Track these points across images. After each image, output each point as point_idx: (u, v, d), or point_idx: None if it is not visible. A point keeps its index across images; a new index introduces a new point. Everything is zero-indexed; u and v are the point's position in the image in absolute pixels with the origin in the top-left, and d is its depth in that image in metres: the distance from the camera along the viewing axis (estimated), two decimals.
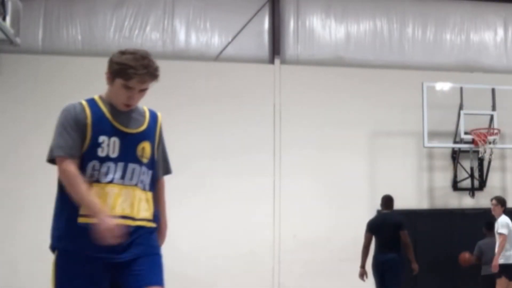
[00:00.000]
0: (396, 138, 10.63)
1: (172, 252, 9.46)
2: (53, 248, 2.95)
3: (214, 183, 9.87)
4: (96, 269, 2.86)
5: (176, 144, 9.82)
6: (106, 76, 2.98)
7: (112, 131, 2.94)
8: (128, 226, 2.87)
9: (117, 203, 2.89)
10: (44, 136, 10.70)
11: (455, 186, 10.76)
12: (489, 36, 11.49)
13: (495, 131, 10.18)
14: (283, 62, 10.67)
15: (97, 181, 2.88)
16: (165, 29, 10.46)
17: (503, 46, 11.52)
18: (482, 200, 10.63)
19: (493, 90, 10.39)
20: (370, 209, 10.33)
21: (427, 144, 10.13)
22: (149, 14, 10.43)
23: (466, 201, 10.81)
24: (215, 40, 10.59)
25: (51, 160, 2.94)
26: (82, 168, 2.88)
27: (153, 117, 3.18)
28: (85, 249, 2.83)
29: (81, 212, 2.85)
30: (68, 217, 2.88)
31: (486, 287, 8.85)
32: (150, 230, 3.01)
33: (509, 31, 11.60)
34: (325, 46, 10.86)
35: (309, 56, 10.83)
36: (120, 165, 2.92)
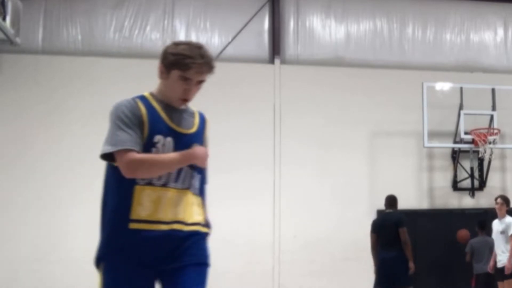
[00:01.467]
0: (396, 138, 10.63)
1: None
2: (99, 259, 2.75)
3: (214, 183, 9.83)
4: (145, 278, 2.72)
5: None
6: (159, 70, 2.84)
7: (167, 131, 2.76)
8: (181, 231, 2.73)
9: (170, 208, 2.72)
10: (44, 136, 10.80)
11: (455, 186, 10.76)
12: (489, 36, 11.49)
13: (495, 131, 10.18)
14: (283, 62, 10.67)
15: (150, 183, 2.70)
16: (165, 29, 10.46)
17: (503, 46, 11.52)
18: (482, 200, 10.64)
19: (493, 90, 10.39)
20: (370, 209, 10.33)
21: (427, 144, 10.14)
22: (149, 14, 10.43)
23: (466, 201, 10.81)
24: (215, 40, 10.59)
25: (104, 156, 2.75)
26: None
27: (202, 119, 3.00)
28: (135, 258, 2.67)
29: (132, 217, 2.67)
30: (118, 223, 2.68)
31: (480, 285, 8.90)
32: (203, 236, 2.85)
33: (509, 31, 11.60)
34: (325, 46, 10.86)
35: (309, 56, 10.83)
36: None
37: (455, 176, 10.74)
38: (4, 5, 7.69)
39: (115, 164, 2.71)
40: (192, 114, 2.96)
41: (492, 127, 10.23)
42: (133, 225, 2.66)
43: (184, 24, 10.55)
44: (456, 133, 10.37)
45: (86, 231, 9.43)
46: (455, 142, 10.45)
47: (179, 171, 2.76)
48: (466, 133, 10.18)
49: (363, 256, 10.17)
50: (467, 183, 10.77)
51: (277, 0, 10.78)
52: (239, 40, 10.63)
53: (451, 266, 10.01)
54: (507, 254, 7.91)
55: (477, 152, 10.38)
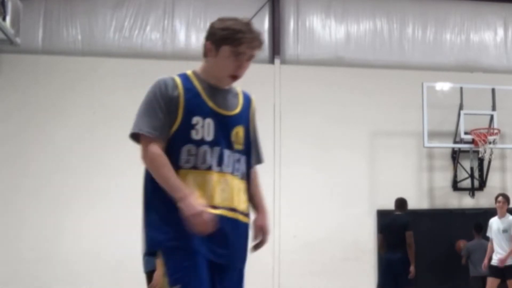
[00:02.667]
0: (396, 138, 10.63)
1: None
2: (152, 249, 2.62)
3: None
4: (203, 263, 2.57)
5: None
6: (206, 48, 2.71)
7: (206, 112, 2.64)
8: (229, 219, 2.62)
9: (216, 192, 2.61)
10: (44, 136, 10.81)
11: (455, 186, 10.76)
12: (489, 36, 11.48)
13: (495, 131, 10.17)
14: (283, 62, 10.66)
15: (195, 167, 2.60)
16: (165, 29, 10.46)
17: (503, 46, 11.52)
18: (482, 200, 10.64)
19: (493, 90, 10.39)
20: (370, 209, 10.34)
21: (427, 144, 10.13)
22: (149, 14, 10.43)
23: (466, 201, 10.81)
24: None
25: (133, 136, 2.68)
26: (175, 152, 2.60)
27: (247, 99, 2.88)
28: (190, 242, 2.53)
29: None
30: (166, 209, 2.56)
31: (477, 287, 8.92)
32: (247, 227, 2.74)
33: (509, 31, 11.59)
34: (325, 46, 10.86)
35: (309, 56, 10.83)
36: (216, 150, 2.63)
37: (455, 176, 10.74)
38: (4, 5, 7.68)
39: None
40: (236, 94, 2.84)
41: (492, 127, 10.23)
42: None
43: (184, 24, 10.54)
44: (456, 133, 10.36)
45: (86, 231, 9.46)
46: (455, 142, 10.45)
47: (221, 154, 2.64)
48: (466, 133, 10.18)
49: (363, 256, 10.19)
50: (467, 183, 10.77)
51: (277, 0, 10.78)
52: None
53: (451, 266, 10.01)
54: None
55: (477, 152, 10.37)
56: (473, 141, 10.23)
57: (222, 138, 2.65)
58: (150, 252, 2.63)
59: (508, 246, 7.92)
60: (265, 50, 10.76)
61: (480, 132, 10.14)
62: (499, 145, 10.36)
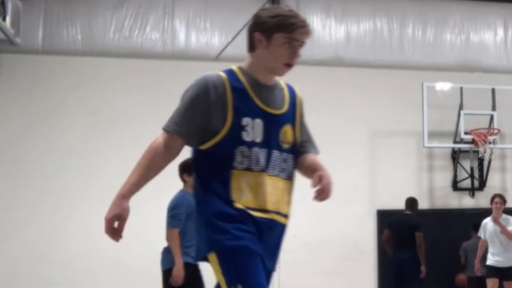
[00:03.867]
0: (396, 138, 10.63)
1: None
2: (211, 250, 2.50)
3: None
4: (260, 262, 2.51)
5: None
6: (255, 39, 2.60)
7: (255, 111, 2.55)
8: (277, 223, 2.59)
9: (268, 195, 2.55)
10: (44, 136, 10.80)
11: (455, 186, 10.76)
12: (489, 36, 11.48)
13: (495, 131, 10.17)
14: None
15: (248, 168, 2.52)
16: (165, 29, 10.46)
17: (503, 46, 11.52)
18: (482, 200, 10.63)
19: (493, 90, 10.39)
20: (370, 209, 10.35)
21: (427, 144, 10.14)
22: (149, 14, 10.43)
23: (466, 201, 10.81)
24: (215, 40, 10.59)
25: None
26: (229, 153, 2.50)
27: (292, 93, 2.77)
28: (248, 241, 2.47)
29: (233, 197, 2.51)
30: (220, 209, 2.50)
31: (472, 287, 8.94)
32: (284, 229, 2.69)
33: (509, 31, 11.59)
34: (325, 46, 10.85)
35: (309, 56, 10.81)
36: (264, 151, 2.55)
37: (455, 176, 10.74)
38: (4, 5, 7.69)
39: (202, 147, 2.56)
40: (281, 89, 2.72)
41: (492, 127, 10.23)
42: (237, 206, 2.51)
43: (184, 24, 10.54)
44: (456, 133, 10.37)
45: (87, 231, 9.45)
46: (455, 142, 10.45)
47: (270, 156, 2.57)
48: (466, 133, 10.18)
49: (363, 256, 10.19)
50: (467, 183, 10.77)
51: (277, 0, 10.77)
52: (239, 40, 10.61)
53: (451, 266, 10.00)
54: (509, 253, 7.89)
55: (477, 152, 10.38)
56: (473, 141, 10.23)
57: (271, 139, 2.58)
58: (205, 253, 2.53)
59: (506, 246, 7.91)
60: None
61: (480, 132, 10.14)
62: (499, 145, 10.36)
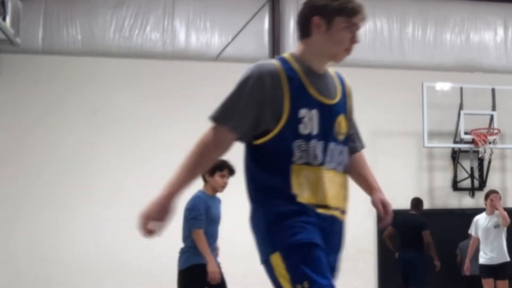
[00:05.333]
0: (396, 138, 10.62)
1: (171, 252, 9.48)
2: (276, 249, 2.40)
3: None
4: (324, 257, 2.41)
5: (175, 143, 9.83)
6: (313, 24, 2.47)
7: (311, 102, 2.43)
8: (336, 220, 2.52)
9: (327, 191, 2.45)
10: (44, 136, 10.79)
11: (455, 186, 10.76)
12: (489, 36, 11.48)
13: (495, 131, 10.17)
14: None
15: (307, 163, 2.40)
16: (165, 29, 10.46)
17: (503, 46, 11.52)
18: (482, 200, 10.61)
19: (493, 90, 10.39)
20: (370, 209, 10.29)
21: (427, 144, 10.13)
22: (149, 14, 10.43)
23: (466, 201, 10.81)
24: (215, 40, 10.59)
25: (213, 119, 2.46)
26: (287, 147, 2.38)
27: (342, 83, 2.68)
28: (310, 236, 2.37)
29: (294, 191, 2.39)
30: (280, 205, 2.39)
31: (469, 287, 8.94)
32: (343, 225, 2.62)
33: (509, 31, 11.59)
34: None
35: None
36: (321, 144, 2.44)
37: (455, 176, 10.74)
38: (4, 5, 7.69)
39: (257, 142, 2.43)
40: (332, 78, 2.61)
41: (492, 127, 10.23)
42: (300, 200, 2.40)
43: (184, 24, 10.54)
44: (456, 133, 10.36)
45: (87, 232, 9.46)
46: (455, 142, 10.45)
47: (327, 149, 2.46)
48: (466, 133, 10.18)
49: (363, 256, 10.19)
50: (467, 183, 10.77)
51: (277, 0, 10.78)
52: (239, 40, 10.62)
53: (451, 266, 10.00)
54: (503, 249, 7.88)
55: (477, 152, 10.38)
56: (473, 141, 10.23)
57: (328, 131, 2.47)
58: (267, 254, 2.43)
59: (500, 242, 7.90)
60: (265, 50, 10.77)
61: (480, 132, 10.14)
62: (499, 145, 10.36)
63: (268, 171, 2.43)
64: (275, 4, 10.77)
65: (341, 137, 2.54)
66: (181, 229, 5.59)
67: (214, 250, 5.60)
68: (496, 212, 7.99)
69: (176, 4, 10.55)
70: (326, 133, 2.46)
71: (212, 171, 5.57)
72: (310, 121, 2.41)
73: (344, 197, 2.61)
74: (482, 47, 11.42)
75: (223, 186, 5.64)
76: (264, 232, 2.44)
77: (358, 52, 11.19)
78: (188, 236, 5.48)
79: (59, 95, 9.84)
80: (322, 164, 2.44)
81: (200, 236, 5.38)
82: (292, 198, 2.38)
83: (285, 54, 2.55)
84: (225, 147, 2.46)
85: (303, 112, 2.40)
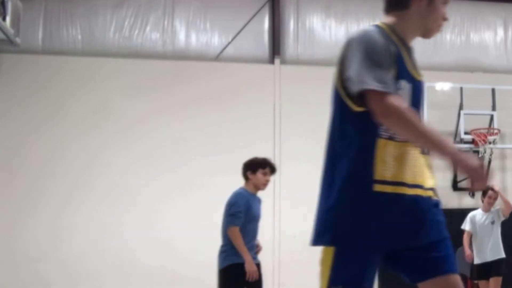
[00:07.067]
0: None
1: (170, 252, 9.49)
2: (325, 241, 2.25)
3: (213, 182, 9.87)
4: (378, 257, 2.30)
5: (175, 143, 9.84)
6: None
7: (407, 75, 2.32)
8: (423, 199, 2.31)
9: (410, 168, 2.27)
10: (44, 136, 10.79)
11: (455, 186, 10.75)
12: (489, 36, 11.49)
13: (495, 131, 10.17)
14: (283, 62, 10.66)
15: (392, 138, 2.23)
16: (165, 29, 10.46)
17: (503, 46, 11.52)
18: None
19: (493, 90, 10.39)
20: None
21: None
22: (149, 14, 10.43)
23: (466, 201, 10.80)
24: (215, 40, 10.59)
25: (357, 97, 2.25)
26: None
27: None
28: (377, 233, 2.20)
29: (376, 177, 2.20)
30: (358, 185, 2.20)
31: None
32: (438, 204, 2.44)
33: (509, 31, 11.60)
34: (325, 46, 10.85)
35: (309, 56, 10.83)
36: None
37: (455, 176, 10.73)
38: (4, 5, 7.69)
39: (357, 109, 2.27)
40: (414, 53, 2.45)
41: (492, 127, 10.23)
42: (377, 187, 2.20)
43: (184, 24, 10.54)
44: (456, 133, 10.36)
45: (87, 231, 9.45)
46: (455, 142, 10.44)
47: None
48: (466, 133, 10.17)
49: None
50: (467, 183, 10.75)
51: (277, 0, 10.78)
52: (239, 40, 10.62)
53: None
54: (499, 245, 7.88)
55: (477, 152, 10.37)
56: (473, 141, 10.23)
57: (416, 107, 2.33)
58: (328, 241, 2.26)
59: (496, 238, 7.89)
60: (265, 50, 10.77)
61: (480, 132, 10.14)
62: (499, 145, 10.37)
63: (355, 144, 2.28)
64: (275, 4, 10.77)
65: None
66: (221, 226, 5.59)
67: (254, 248, 5.60)
68: (493, 209, 8.01)
69: (176, 4, 10.55)
70: (415, 109, 2.32)
71: (255, 169, 5.61)
72: (405, 94, 2.29)
73: (430, 176, 2.39)
74: (482, 47, 11.42)
75: (265, 184, 5.67)
76: (330, 217, 2.26)
77: None
78: (226, 233, 5.46)
79: (59, 95, 9.84)
80: (406, 140, 2.27)
81: (236, 233, 5.37)
82: (370, 183, 2.21)
83: (380, 24, 2.39)
84: (409, 107, 2.26)
85: (402, 83, 2.28)
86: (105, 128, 9.73)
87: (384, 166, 2.22)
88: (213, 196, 9.92)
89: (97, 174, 9.61)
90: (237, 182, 10.67)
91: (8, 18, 7.84)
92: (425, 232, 2.34)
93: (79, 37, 10.22)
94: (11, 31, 8.02)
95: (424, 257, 2.35)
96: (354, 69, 2.23)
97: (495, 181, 10.78)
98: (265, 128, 10.32)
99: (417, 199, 2.28)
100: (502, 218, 8.02)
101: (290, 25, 10.85)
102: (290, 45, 10.80)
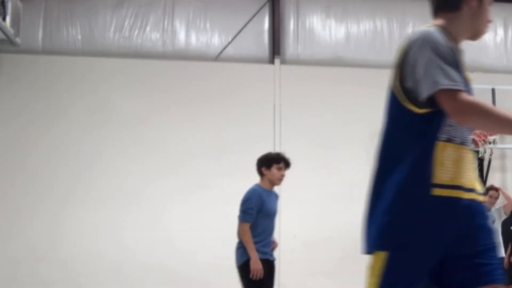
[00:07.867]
0: None
1: (171, 252, 9.49)
2: (377, 247, 2.22)
3: (213, 183, 9.88)
4: (429, 265, 2.20)
5: (175, 143, 9.84)
6: (467, 1, 2.33)
7: (463, 77, 2.32)
8: (478, 204, 2.26)
9: (467, 171, 2.26)
10: (44, 136, 10.79)
11: None
12: (489, 36, 11.48)
13: None
14: (283, 62, 10.66)
15: (449, 140, 2.24)
16: (165, 29, 10.46)
17: (503, 46, 11.52)
18: None
19: (493, 90, 10.39)
20: None
21: None
22: (149, 14, 10.43)
23: None
24: (215, 40, 10.59)
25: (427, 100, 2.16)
26: (436, 118, 2.20)
27: None
28: (435, 236, 2.13)
29: (435, 180, 2.16)
30: (416, 189, 2.15)
31: None
32: (485, 209, 2.35)
33: (509, 31, 11.60)
34: (325, 46, 10.86)
35: (309, 56, 10.83)
36: None
37: None
38: (4, 5, 7.69)
39: (419, 111, 2.20)
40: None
41: None
42: (436, 191, 2.14)
43: (184, 24, 10.54)
44: None
45: (87, 231, 9.46)
46: None
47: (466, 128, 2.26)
48: None
49: (363, 256, 10.18)
50: None
51: (277, 0, 10.78)
52: (239, 40, 10.63)
53: None
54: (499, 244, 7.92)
55: (477, 152, 10.37)
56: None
57: None
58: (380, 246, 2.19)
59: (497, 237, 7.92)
60: (265, 50, 10.77)
61: (480, 132, 10.14)
62: (499, 145, 10.37)
63: (414, 147, 2.23)
64: (275, 4, 10.77)
65: None
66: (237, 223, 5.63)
67: (270, 244, 5.65)
68: (493, 208, 8.03)
69: (176, 4, 10.55)
70: None
71: (269, 164, 5.65)
72: None
73: (477, 178, 2.38)
74: (482, 47, 11.41)
75: (280, 179, 5.71)
76: (384, 221, 2.20)
77: (358, 52, 11.25)
78: None
79: (59, 95, 9.84)
80: (463, 143, 2.30)
81: (245, 229, 5.42)
82: (428, 188, 2.15)
83: (431, 27, 2.35)
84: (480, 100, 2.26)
85: None
86: (105, 128, 9.74)
87: (443, 169, 2.19)
88: (213, 196, 9.94)
89: (96, 173, 9.61)
90: (237, 182, 10.67)
91: (8, 18, 7.84)
92: (475, 239, 2.26)
93: (79, 37, 10.22)
94: (11, 31, 8.02)
95: (469, 265, 2.23)
96: (423, 71, 2.16)
97: (495, 181, 10.81)
98: (265, 128, 10.32)
99: (472, 203, 2.23)
100: (504, 217, 8.03)
101: (290, 25, 10.85)
102: (290, 45, 10.80)
